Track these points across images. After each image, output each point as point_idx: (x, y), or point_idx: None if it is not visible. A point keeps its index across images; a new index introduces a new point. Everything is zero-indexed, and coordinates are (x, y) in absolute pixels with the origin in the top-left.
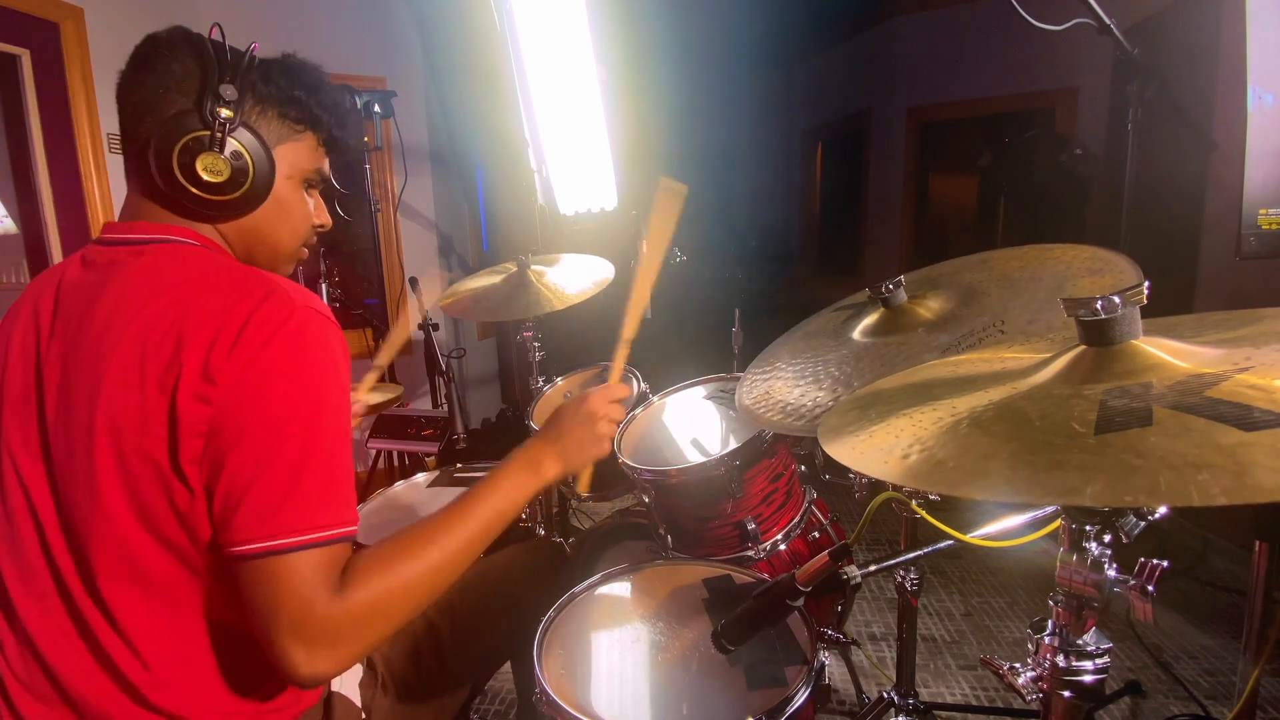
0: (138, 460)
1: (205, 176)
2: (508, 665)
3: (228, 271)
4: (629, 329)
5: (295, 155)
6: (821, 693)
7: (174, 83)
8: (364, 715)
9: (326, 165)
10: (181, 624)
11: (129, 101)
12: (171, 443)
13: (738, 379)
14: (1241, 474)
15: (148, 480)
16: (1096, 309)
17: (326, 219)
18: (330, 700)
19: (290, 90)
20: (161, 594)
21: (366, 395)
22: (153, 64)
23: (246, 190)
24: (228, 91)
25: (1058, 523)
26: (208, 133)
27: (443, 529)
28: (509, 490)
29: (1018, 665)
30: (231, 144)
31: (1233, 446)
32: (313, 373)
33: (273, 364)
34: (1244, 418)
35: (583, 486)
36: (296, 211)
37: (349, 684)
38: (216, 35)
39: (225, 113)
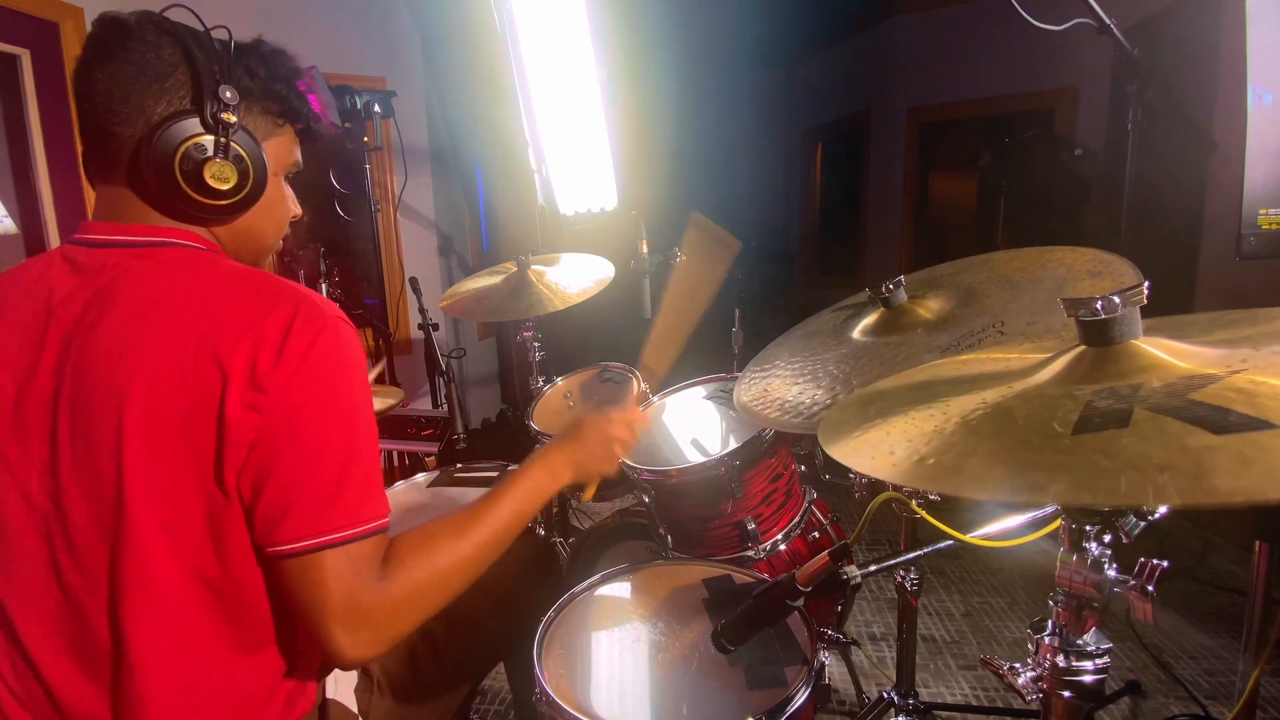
0: (175, 468)
1: (213, 184)
2: (503, 665)
3: (246, 278)
4: (656, 362)
5: (278, 150)
6: (821, 693)
7: (154, 77)
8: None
9: (300, 154)
10: (184, 643)
11: (96, 92)
12: (218, 451)
13: (737, 379)
14: (1201, 476)
15: (186, 488)
16: (1096, 309)
17: (298, 208)
18: (325, 706)
19: (271, 84)
20: (169, 613)
21: None
22: (126, 53)
23: (247, 193)
24: (228, 94)
25: (1058, 523)
26: (210, 138)
27: (470, 524)
28: (528, 491)
29: (1018, 665)
30: (233, 148)
31: (1199, 449)
32: (348, 377)
33: (316, 371)
34: (1219, 421)
35: (587, 496)
36: (280, 206)
37: (344, 690)
38: (178, 17)
39: (229, 118)
